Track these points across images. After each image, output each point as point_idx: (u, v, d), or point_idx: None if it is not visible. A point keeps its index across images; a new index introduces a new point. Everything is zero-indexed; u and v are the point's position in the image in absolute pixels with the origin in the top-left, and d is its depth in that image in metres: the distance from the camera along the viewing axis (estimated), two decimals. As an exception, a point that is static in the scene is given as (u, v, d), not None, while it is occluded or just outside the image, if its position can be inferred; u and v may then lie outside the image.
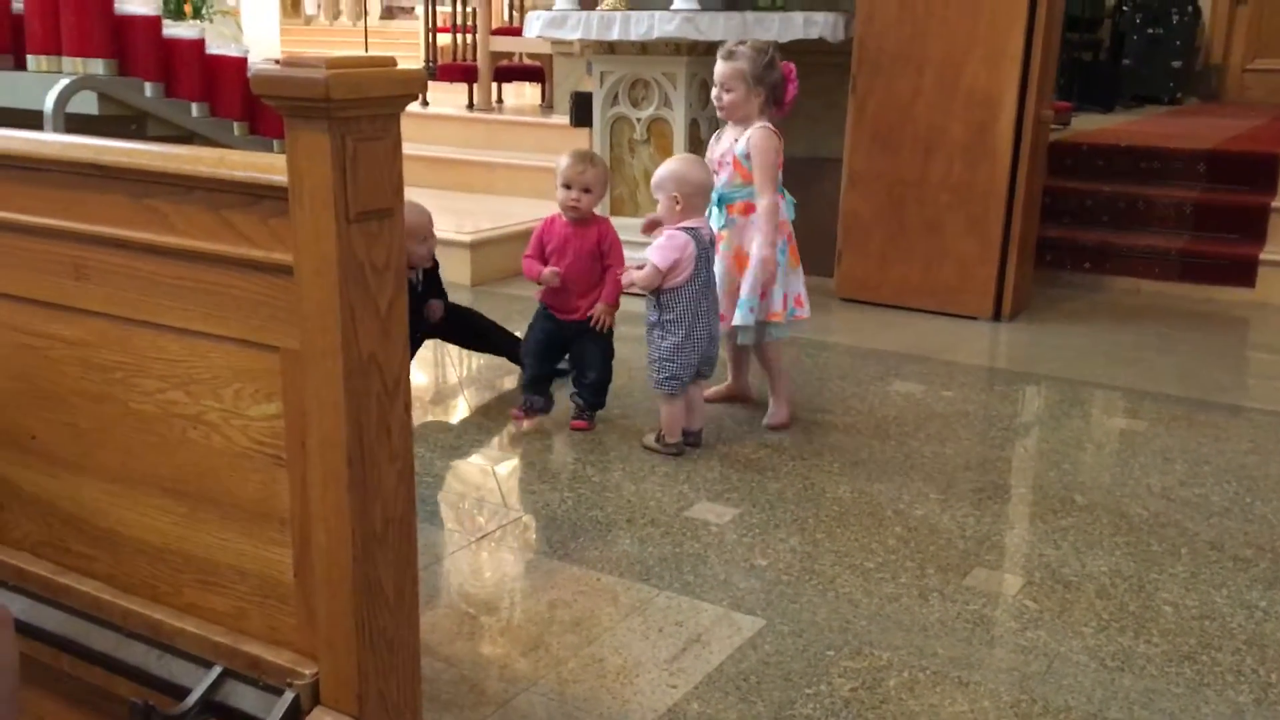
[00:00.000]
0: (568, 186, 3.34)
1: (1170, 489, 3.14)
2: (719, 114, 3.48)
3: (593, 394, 3.47)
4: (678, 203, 3.18)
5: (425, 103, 7.00)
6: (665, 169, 3.24)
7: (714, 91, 3.44)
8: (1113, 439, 3.58)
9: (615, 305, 3.45)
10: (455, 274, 4.82)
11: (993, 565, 2.69)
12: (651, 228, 3.39)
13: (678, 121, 4.93)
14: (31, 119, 2.99)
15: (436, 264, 3.99)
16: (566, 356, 3.56)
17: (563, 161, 3.38)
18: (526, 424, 3.51)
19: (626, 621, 2.41)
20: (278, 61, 1.22)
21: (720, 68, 3.40)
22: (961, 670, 2.25)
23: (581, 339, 3.44)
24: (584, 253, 3.39)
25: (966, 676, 2.22)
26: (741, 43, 3.44)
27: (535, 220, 5.52)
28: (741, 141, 3.35)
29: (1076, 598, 2.54)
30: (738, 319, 3.38)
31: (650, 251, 3.20)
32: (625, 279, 3.32)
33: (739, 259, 3.38)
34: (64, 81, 3.08)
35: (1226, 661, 2.30)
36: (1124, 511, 2.99)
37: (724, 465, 3.23)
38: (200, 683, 1.46)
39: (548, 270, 3.39)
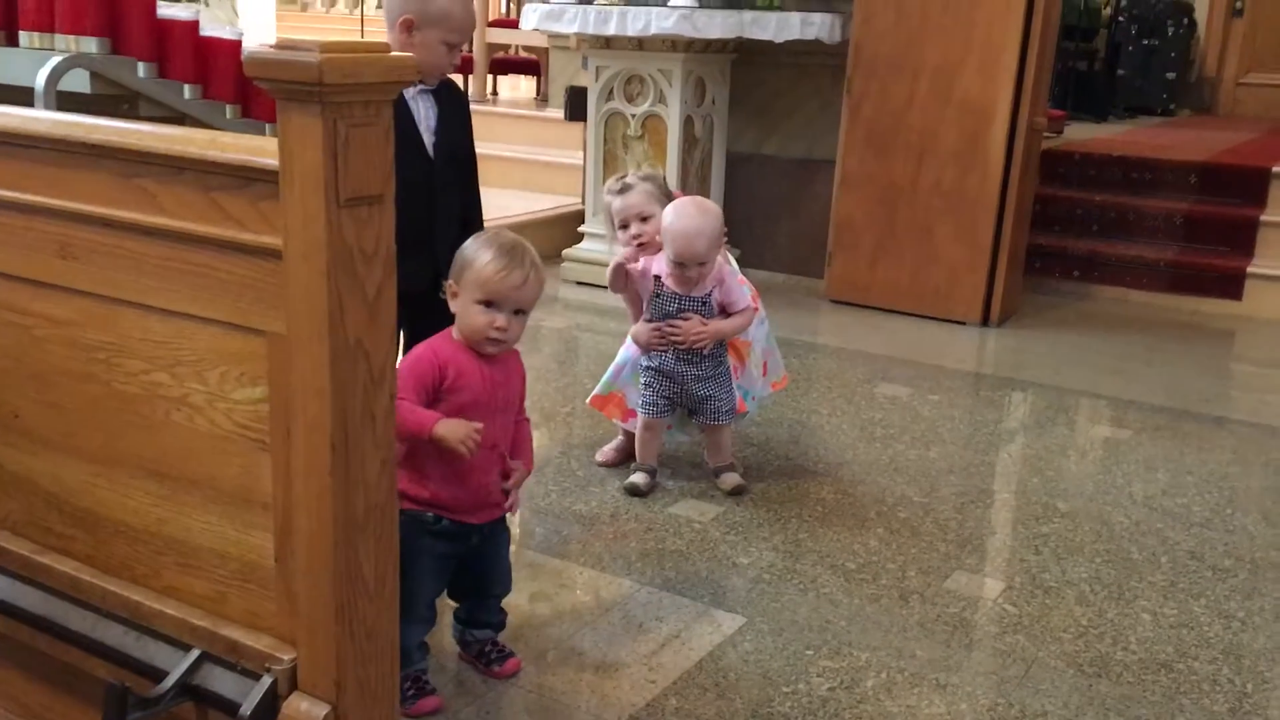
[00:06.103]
0: (490, 305, 2.01)
1: (1152, 498, 3.15)
2: (637, 249, 2.96)
3: (501, 613, 2.27)
4: (718, 247, 2.91)
5: (420, 92, 6.98)
6: (706, 225, 2.79)
7: (628, 231, 2.97)
8: (1096, 447, 3.59)
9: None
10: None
11: (973, 569, 2.70)
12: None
13: (672, 118, 4.92)
14: (23, 96, 2.98)
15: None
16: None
17: (481, 259, 2.01)
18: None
19: (607, 616, 2.41)
20: (272, 45, 1.21)
21: (628, 199, 2.96)
22: (939, 673, 2.25)
23: (486, 546, 2.18)
24: (511, 403, 2.15)
25: (944, 679, 2.23)
26: (622, 177, 3.03)
27: (528, 214, 5.53)
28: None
29: (1056, 603, 2.55)
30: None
31: (735, 295, 2.91)
32: (708, 329, 2.87)
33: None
34: (56, 59, 3.07)
35: (1203, 670, 2.31)
36: (1106, 519, 3.00)
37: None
38: (178, 665, 1.45)
39: (469, 426, 1.98)
